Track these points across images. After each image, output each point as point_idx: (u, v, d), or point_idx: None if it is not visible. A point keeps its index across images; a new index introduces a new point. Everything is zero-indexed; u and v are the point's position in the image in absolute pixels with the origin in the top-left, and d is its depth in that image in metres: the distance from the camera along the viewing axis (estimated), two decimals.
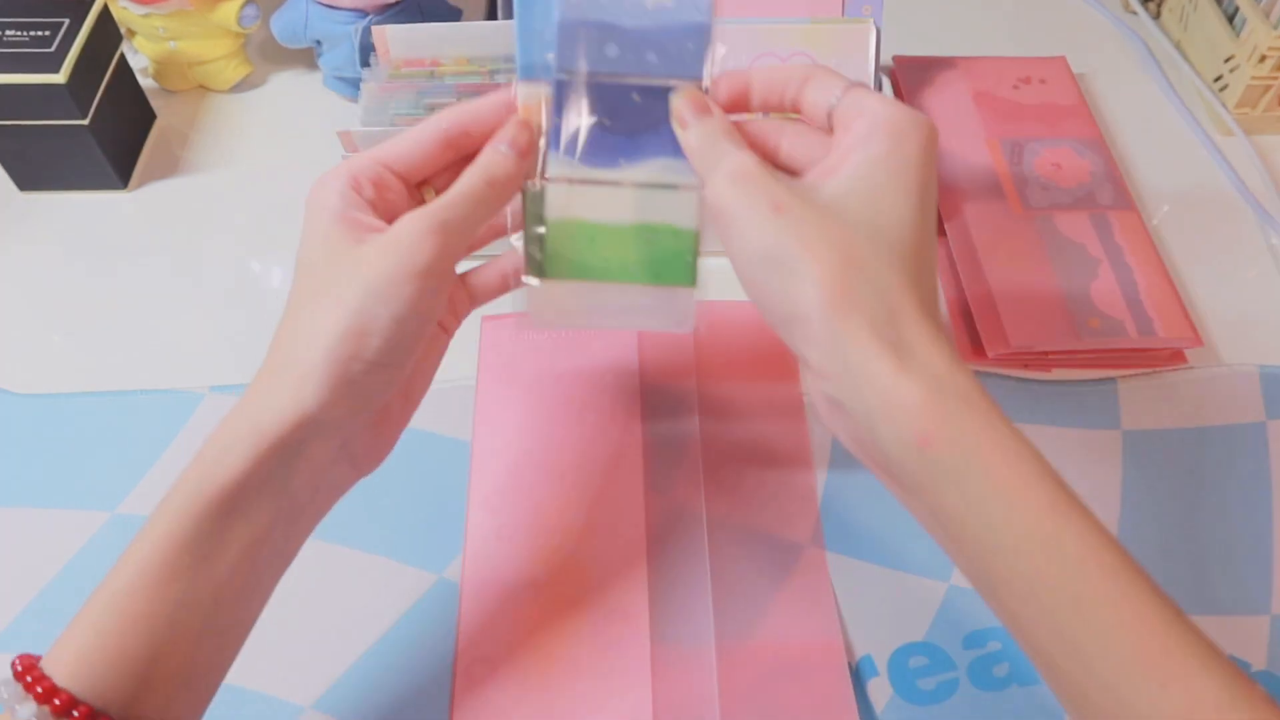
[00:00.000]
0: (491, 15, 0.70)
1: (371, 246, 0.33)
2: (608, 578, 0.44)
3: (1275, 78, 0.63)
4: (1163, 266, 0.55)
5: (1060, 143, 0.62)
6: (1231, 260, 0.59)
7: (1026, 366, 0.53)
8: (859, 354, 0.30)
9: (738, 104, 0.36)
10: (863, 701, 0.41)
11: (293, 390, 0.32)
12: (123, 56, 0.62)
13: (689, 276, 0.37)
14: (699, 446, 0.48)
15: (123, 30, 0.63)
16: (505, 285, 0.40)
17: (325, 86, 0.69)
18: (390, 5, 0.62)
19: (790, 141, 0.35)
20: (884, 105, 0.32)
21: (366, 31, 0.62)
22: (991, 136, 0.62)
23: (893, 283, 0.30)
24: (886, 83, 0.58)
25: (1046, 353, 0.52)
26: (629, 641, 0.42)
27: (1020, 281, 0.54)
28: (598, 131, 0.36)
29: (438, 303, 0.34)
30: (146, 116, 0.66)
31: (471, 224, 0.35)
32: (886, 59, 0.66)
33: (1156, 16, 0.74)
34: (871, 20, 0.56)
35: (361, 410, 0.34)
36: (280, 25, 0.65)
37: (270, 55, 0.71)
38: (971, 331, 0.54)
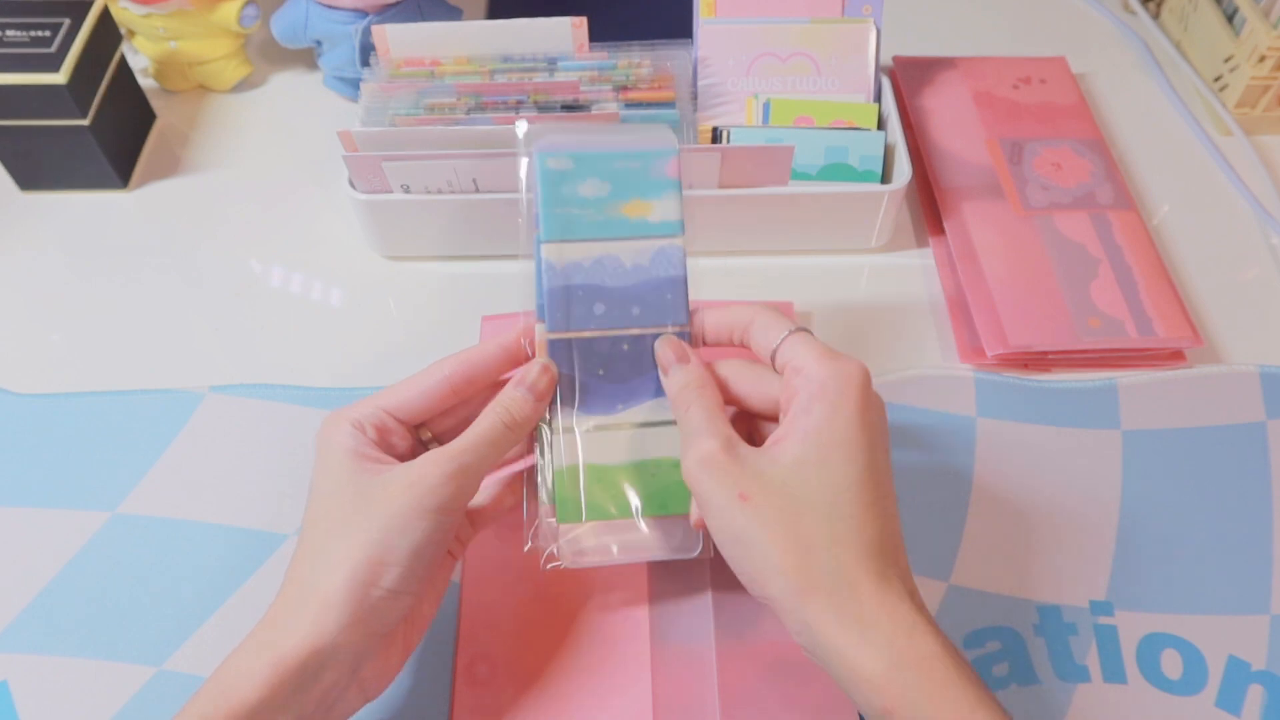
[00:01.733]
0: (492, 15, 0.71)
1: (393, 483, 0.36)
2: (608, 576, 0.44)
3: (1275, 78, 0.63)
4: (1163, 266, 0.55)
5: (1060, 143, 0.61)
6: (1231, 260, 0.59)
7: (1026, 366, 0.53)
8: (825, 633, 0.32)
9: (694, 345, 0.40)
10: None
11: (313, 616, 0.34)
12: (123, 56, 0.62)
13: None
14: None
15: (123, 30, 0.63)
16: (504, 513, 0.42)
17: (325, 86, 0.69)
18: (390, 5, 0.62)
19: (750, 388, 0.38)
20: (817, 364, 0.36)
21: (366, 31, 0.62)
22: (991, 136, 0.62)
23: (848, 560, 0.33)
24: (887, 83, 0.58)
25: (1046, 353, 0.52)
26: (629, 641, 0.42)
27: (1020, 281, 0.54)
28: (594, 382, 0.39)
29: (450, 535, 0.37)
30: (146, 116, 0.66)
31: (487, 465, 0.38)
32: (886, 59, 0.66)
33: (1156, 16, 0.74)
34: (872, 20, 0.56)
35: (376, 635, 0.36)
36: (280, 25, 0.65)
37: (270, 55, 0.71)
38: (971, 331, 0.54)
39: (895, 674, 0.32)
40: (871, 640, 0.32)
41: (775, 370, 0.38)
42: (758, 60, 0.56)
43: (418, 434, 0.40)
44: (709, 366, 0.39)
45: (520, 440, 0.39)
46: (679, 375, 0.38)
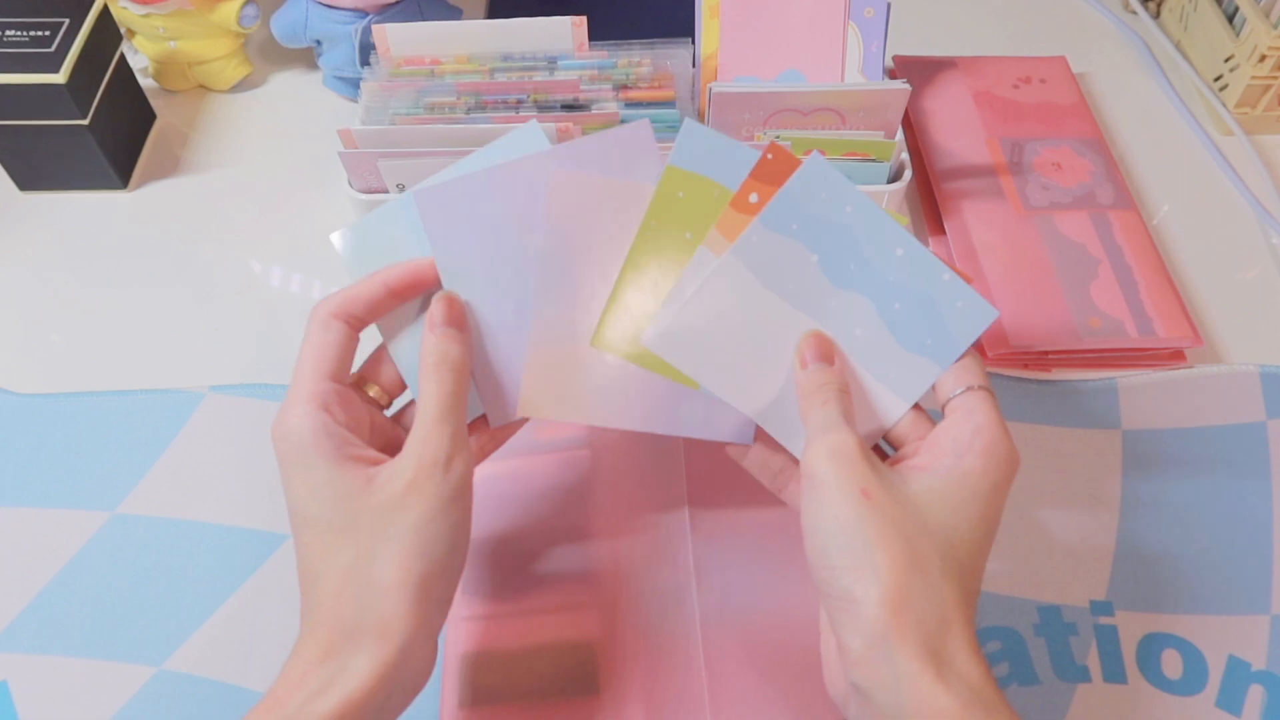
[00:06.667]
0: (491, 14, 0.71)
1: (397, 483, 0.33)
2: (591, 585, 0.44)
3: (1275, 77, 0.63)
4: (1163, 266, 0.55)
5: (1060, 142, 0.61)
6: (1231, 260, 0.59)
7: (1026, 366, 0.53)
8: (903, 655, 0.31)
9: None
10: None
11: (372, 650, 0.32)
12: (123, 56, 0.62)
13: None
14: (683, 464, 0.48)
15: (123, 30, 0.63)
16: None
17: (325, 86, 0.69)
18: (390, 5, 0.62)
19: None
20: (990, 423, 0.35)
21: (366, 31, 0.62)
22: (991, 136, 0.62)
23: (949, 596, 0.32)
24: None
25: (1046, 353, 0.52)
26: (619, 641, 0.42)
27: (1020, 281, 0.54)
28: None
29: (470, 514, 0.35)
30: (146, 116, 0.66)
31: (464, 423, 0.36)
32: (887, 59, 0.66)
33: (1156, 16, 0.74)
34: (906, 83, 0.53)
35: (433, 642, 0.34)
36: (280, 25, 0.65)
37: (270, 55, 0.71)
38: None
39: (967, 714, 0.30)
40: (948, 676, 0.31)
41: (941, 408, 0.37)
42: (775, 115, 0.53)
43: (364, 391, 0.38)
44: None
45: (469, 382, 0.37)
46: (821, 372, 0.37)
